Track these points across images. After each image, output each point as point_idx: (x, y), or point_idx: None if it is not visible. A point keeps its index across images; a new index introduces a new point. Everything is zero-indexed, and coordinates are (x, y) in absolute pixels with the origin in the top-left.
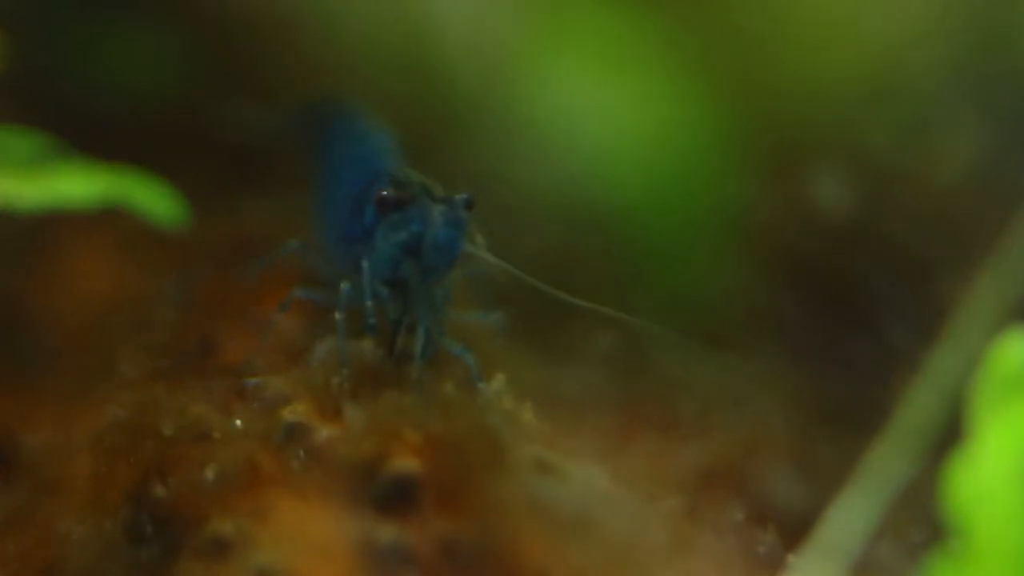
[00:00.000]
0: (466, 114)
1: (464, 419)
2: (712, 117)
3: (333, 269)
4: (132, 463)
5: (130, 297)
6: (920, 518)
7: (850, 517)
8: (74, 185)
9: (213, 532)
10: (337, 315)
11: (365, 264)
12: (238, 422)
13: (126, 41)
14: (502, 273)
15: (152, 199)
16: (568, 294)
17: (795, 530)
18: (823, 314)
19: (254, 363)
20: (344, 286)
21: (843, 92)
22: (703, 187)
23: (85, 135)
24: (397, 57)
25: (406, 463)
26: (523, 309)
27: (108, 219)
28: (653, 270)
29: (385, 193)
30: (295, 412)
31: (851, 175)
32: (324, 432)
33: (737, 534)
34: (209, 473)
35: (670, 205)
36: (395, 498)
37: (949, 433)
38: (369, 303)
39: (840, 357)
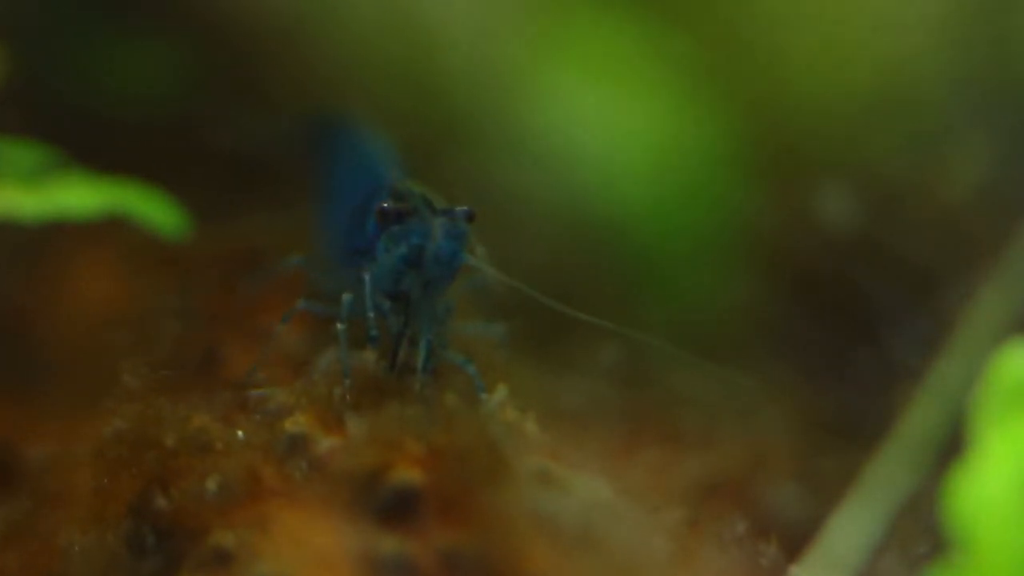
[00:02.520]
0: (468, 126)
1: (466, 430)
2: (717, 130)
3: (335, 281)
4: (134, 475)
5: (132, 309)
6: (923, 530)
7: (853, 529)
8: (76, 196)
9: (215, 543)
10: (339, 327)
11: (367, 276)
12: (240, 433)
13: (128, 52)
14: (503, 285)
15: (155, 210)
16: (570, 306)
17: (798, 542)
18: (826, 326)
19: (256, 375)
20: (346, 298)
21: (848, 105)
22: (708, 200)
23: (87, 146)
24: (399, 68)
25: (408, 474)
26: (525, 321)
27: (111, 230)
28: (656, 282)
29: (386, 205)
30: (297, 423)
31: (855, 188)
32: (326, 443)
33: (740, 546)
34: (211, 484)
35: (674, 218)
36: (397, 509)
37: (951, 445)
38: (371, 315)
39: (843, 369)
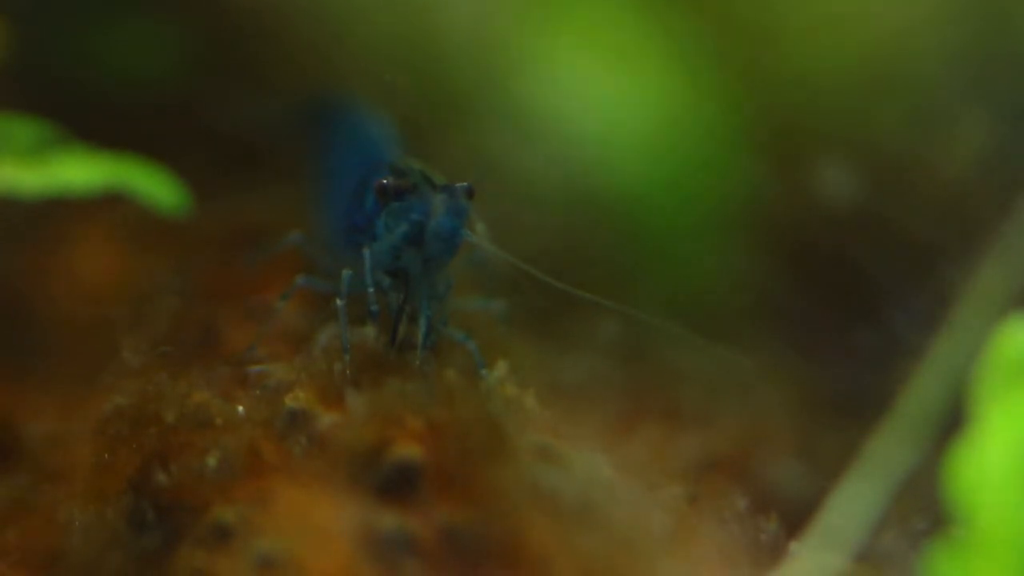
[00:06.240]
0: (469, 104)
1: (466, 406)
2: (717, 106)
3: (335, 258)
4: (134, 450)
5: (132, 285)
6: (923, 506)
7: (852, 505)
8: (76, 172)
9: (215, 519)
10: (338, 303)
11: (366, 252)
12: (240, 409)
13: (129, 30)
14: (503, 262)
15: (154, 187)
16: (570, 284)
17: (798, 518)
18: (826, 302)
19: (256, 351)
20: (345, 273)
21: (847, 80)
22: (708, 177)
23: (87, 123)
24: (399, 46)
25: (408, 450)
26: (525, 297)
27: (110, 207)
28: (657, 259)
29: (386, 182)
30: (297, 399)
31: (855, 164)
32: (326, 419)
33: (739, 522)
34: (211, 460)
35: (675, 194)
36: (397, 485)
37: (952, 421)
38: (371, 290)
39: (843, 345)
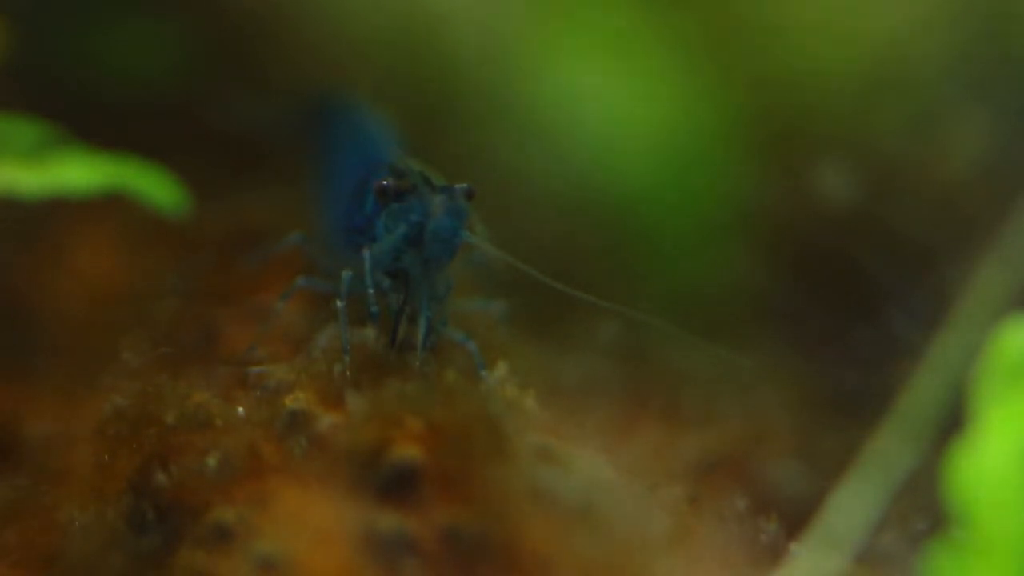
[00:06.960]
0: (470, 104)
1: (466, 407)
2: (717, 107)
3: (335, 259)
4: (134, 451)
5: (132, 286)
6: (922, 507)
7: (852, 506)
8: (77, 173)
9: (215, 520)
10: (338, 304)
11: (366, 253)
12: (240, 410)
13: (129, 30)
14: (503, 263)
15: (154, 187)
16: (570, 284)
17: (798, 519)
18: (826, 303)
19: (256, 352)
20: (345, 274)
21: (847, 82)
22: (708, 177)
23: (88, 123)
24: (400, 46)
25: (408, 451)
26: (525, 298)
27: (110, 208)
28: (657, 260)
29: (385, 183)
30: (297, 400)
31: (855, 165)
32: (326, 420)
33: (739, 523)
34: (211, 461)
35: (675, 195)
36: (397, 486)
37: (952, 422)
38: (371, 291)
39: (843, 345)
